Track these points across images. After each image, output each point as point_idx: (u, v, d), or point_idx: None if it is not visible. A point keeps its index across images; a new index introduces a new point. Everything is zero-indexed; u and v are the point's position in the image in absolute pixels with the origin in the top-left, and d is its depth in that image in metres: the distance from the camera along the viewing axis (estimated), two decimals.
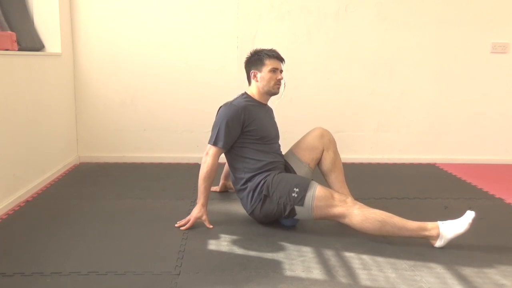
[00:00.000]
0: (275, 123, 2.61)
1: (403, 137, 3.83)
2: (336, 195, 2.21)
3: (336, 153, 2.54)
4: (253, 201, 2.35)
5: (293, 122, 3.68)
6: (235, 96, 2.50)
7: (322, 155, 2.53)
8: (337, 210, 2.17)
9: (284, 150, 2.61)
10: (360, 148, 3.82)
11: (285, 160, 2.55)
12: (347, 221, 2.17)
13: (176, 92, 3.62)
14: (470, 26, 3.66)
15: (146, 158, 3.68)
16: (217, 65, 3.60)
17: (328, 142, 2.52)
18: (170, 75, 3.60)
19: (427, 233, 2.12)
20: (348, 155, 3.73)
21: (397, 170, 3.64)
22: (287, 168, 2.53)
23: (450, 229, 2.09)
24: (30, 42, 3.09)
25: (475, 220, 2.09)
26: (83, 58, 3.54)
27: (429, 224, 2.13)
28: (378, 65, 3.70)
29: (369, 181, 3.27)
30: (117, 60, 3.55)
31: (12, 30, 2.87)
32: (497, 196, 2.97)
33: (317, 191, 2.21)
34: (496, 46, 3.70)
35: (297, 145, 2.59)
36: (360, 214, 2.13)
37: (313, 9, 3.58)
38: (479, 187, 3.16)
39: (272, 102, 2.63)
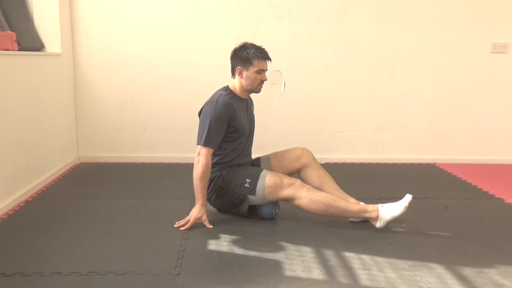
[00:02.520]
0: (253, 116, 2.64)
1: (403, 137, 3.83)
2: (286, 180, 2.33)
3: (319, 167, 2.55)
4: (208, 191, 2.44)
5: (293, 122, 3.69)
6: (216, 91, 2.49)
7: (303, 173, 2.54)
8: (286, 192, 2.31)
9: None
10: (360, 148, 3.81)
11: (256, 160, 2.62)
12: (296, 203, 2.32)
13: (176, 92, 3.62)
14: (470, 26, 3.66)
15: (146, 158, 3.68)
16: (217, 65, 3.59)
17: (307, 161, 2.54)
18: (170, 75, 3.60)
19: (367, 215, 2.30)
20: (348, 155, 3.73)
21: (397, 170, 3.63)
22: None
23: (388, 211, 2.27)
24: (30, 42, 3.09)
25: (412, 204, 2.25)
26: (83, 58, 3.54)
27: (370, 207, 2.30)
28: (378, 65, 3.70)
29: (369, 181, 3.27)
30: (117, 60, 3.55)
31: (12, 30, 2.87)
32: (497, 196, 2.97)
33: (267, 179, 2.34)
34: (496, 46, 3.69)
35: (276, 154, 2.63)
36: (306, 197, 2.28)
37: (313, 9, 3.58)
38: (479, 187, 3.16)
39: (272, 102, 2.62)
